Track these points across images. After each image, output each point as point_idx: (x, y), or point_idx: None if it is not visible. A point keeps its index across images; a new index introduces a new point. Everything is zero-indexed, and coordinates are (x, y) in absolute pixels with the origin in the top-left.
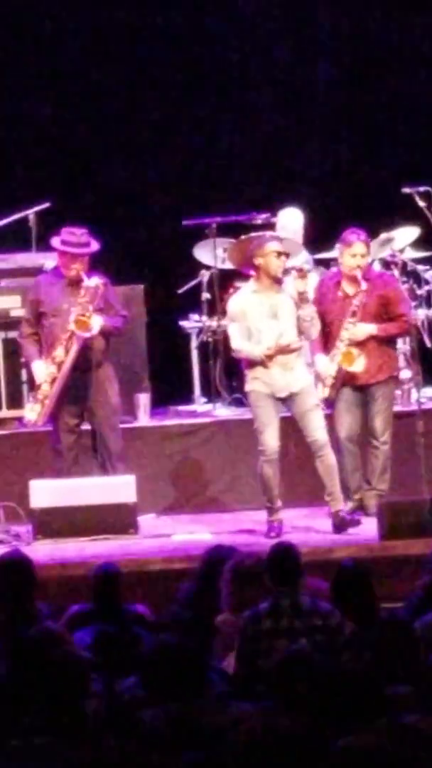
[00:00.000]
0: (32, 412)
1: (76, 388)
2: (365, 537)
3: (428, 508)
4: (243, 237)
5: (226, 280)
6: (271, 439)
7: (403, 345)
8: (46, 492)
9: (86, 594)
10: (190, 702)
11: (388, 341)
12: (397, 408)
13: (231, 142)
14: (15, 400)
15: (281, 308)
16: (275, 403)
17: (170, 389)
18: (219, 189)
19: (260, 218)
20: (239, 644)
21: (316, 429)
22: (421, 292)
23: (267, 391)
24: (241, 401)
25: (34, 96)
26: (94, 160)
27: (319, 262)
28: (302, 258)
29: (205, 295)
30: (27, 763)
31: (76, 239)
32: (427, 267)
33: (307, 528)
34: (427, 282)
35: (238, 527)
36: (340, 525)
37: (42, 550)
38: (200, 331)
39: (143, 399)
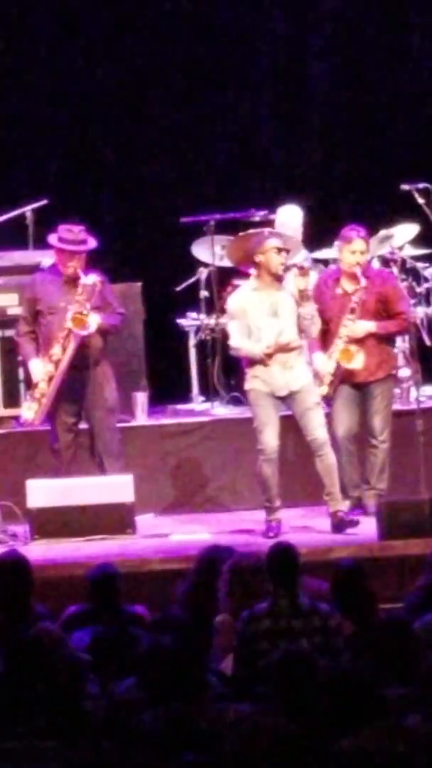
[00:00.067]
0: (29, 411)
1: (74, 387)
2: (364, 537)
3: (428, 507)
4: (241, 234)
5: (224, 278)
6: (270, 438)
7: (402, 343)
8: (44, 492)
9: (83, 595)
10: (188, 703)
11: (387, 339)
12: (396, 407)
13: (229, 139)
14: (12, 399)
15: (281, 306)
16: (275, 401)
17: (168, 388)
18: (217, 186)
19: (258, 215)
20: (237, 645)
21: (316, 428)
22: (420, 289)
23: (266, 390)
24: (239, 400)
25: (32, 93)
26: (91, 157)
27: (317, 261)
28: (301, 256)
29: (203, 293)
30: (25, 765)
31: (73, 236)
32: (427, 264)
33: (306, 528)
34: (426, 279)
35: (237, 527)
36: (339, 525)
37: (39, 550)
38: (198, 329)
39: (141, 397)
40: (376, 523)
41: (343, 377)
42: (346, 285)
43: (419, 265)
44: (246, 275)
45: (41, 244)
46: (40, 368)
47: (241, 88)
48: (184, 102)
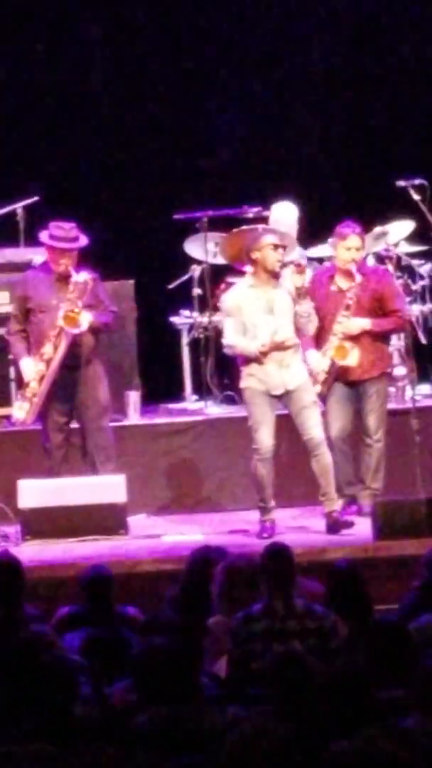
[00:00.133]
0: (21, 411)
1: (65, 386)
2: (359, 537)
3: (423, 507)
4: (235, 230)
5: (217, 275)
6: (265, 437)
7: (397, 341)
8: (35, 492)
9: (75, 596)
10: (182, 706)
11: (382, 337)
12: (391, 405)
13: (222, 136)
14: (3, 399)
15: (278, 303)
16: (271, 400)
17: (161, 387)
18: (210, 182)
19: (252, 212)
20: (232, 647)
21: (312, 427)
22: (416, 287)
23: (262, 389)
24: (232, 399)
25: (23, 89)
26: (82, 153)
27: (311, 259)
28: (296, 253)
29: (196, 291)
30: None
31: (65, 234)
32: (422, 261)
33: (301, 528)
34: (421, 277)
35: (230, 527)
36: (334, 526)
37: (30, 551)
38: (191, 327)
39: (133, 396)
40: (372, 523)
41: (338, 375)
42: (341, 282)
43: (415, 262)
44: (240, 272)
45: (33, 241)
46: (31, 367)
47: (234, 84)
48: (176, 98)
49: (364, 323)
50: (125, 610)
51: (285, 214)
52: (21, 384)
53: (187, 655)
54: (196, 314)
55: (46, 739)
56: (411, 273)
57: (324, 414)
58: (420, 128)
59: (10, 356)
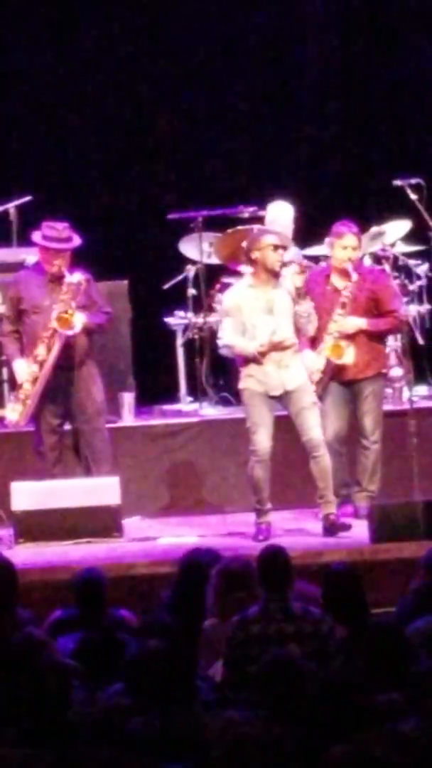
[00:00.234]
0: (14, 413)
1: (59, 388)
2: (356, 540)
3: (420, 510)
4: (229, 231)
5: (212, 276)
6: (263, 439)
7: (394, 342)
8: (28, 494)
9: (69, 599)
10: (176, 710)
11: (378, 337)
12: (388, 407)
13: (217, 135)
14: None
15: (277, 303)
16: (269, 402)
17: (155, 388)
18: (205, 182)
19: (247, 211)
20: (227, 650)
21: (312, 428)
22: (412, 287)
23: (261, 390)
24: (228, 400)
25: (16, 88)
26: (75, 152)
27: (308, 258)
28: (292, 253)
29: (191, 291)
30: None
31: (58, 234)
32: (419, 261)
33: (297, 531)
34: (418, 277)
35: (226, 530)
36: (331, 528)
37: (24, 554)
38: (186, 327)
39: (127, 398)
40: (368, 525)
41: (333, 374)
42: (337, 281)
43: (411, 262)
44: (235, 273)
45: (25, 241)
46: (24, 369)
47: (229, 82)
48: (171, 97)
49: (359, 322)
50: (119, 613)
51: (281, 214)
52: (14, 386)
53: (182, 659)
54: (190, 315)
55: (40, 743)
56: (408, 273)
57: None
58: (417, 127)
59: (3, 357)
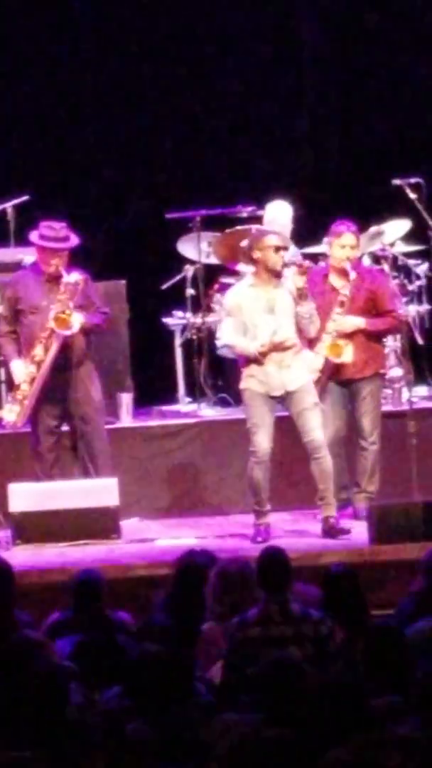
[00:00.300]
0: (11, 414)
1: (57, 388)
2: (355, 541)
3: (420, 511)
4: (228, 231)
5: (211, 276)
6: (263, 440)
7: (393, 342)
8: (26, 496)
9: (67, 601)
10: (175, 713)
11: (376, 337)
12: (388, 407)
13: (216, 134)
14: None
15: (279, 303)
16: (270, 403)
17: (154, 388)
18: (203, 181)
19: (246, 211)
20: (227, 652)
21: (314, 429)
22: (412, 287)
23: (262, 390)
24: (226, 401)
25: (12, 87)
26: (73, 152)
27: (306, 257)
28: (290, 252)
29: (190, 291)
30: None
31: (55, 233)
32: (419, 261)
33: (296, 532)
34: (418, 277)
35: (225, 531)
36: (330, 532)
37: (21, 556)
38: (184, 328)
39: (126, 399)
40: (368, 527)
41: (331, 373)
42: (335, 281)
43: (411, 262)
44: (234, 272)
45: (23, 241)
46: (21, 369)
47: (228, 81)
48: (168, 96)
49: (358, 321)
50: (117, 615)
51: (279, 214)
52: (11, 386)
53: (180, 661)
54: (189, 315)
55: (38, 745)
56: (407, 273)
57: None
58: (416, 127)
59: (0, 358)
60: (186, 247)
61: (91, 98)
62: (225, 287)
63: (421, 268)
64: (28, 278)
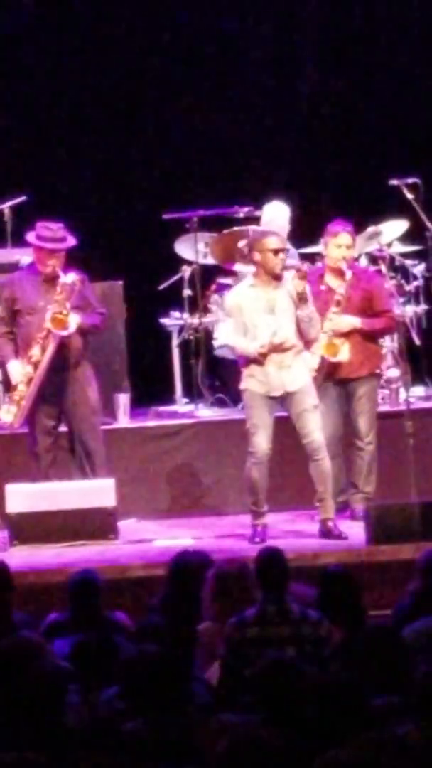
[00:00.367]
0: (8, 414)
1: (54, 389)
2: (352, 542)
3: (417, 511)
4: (225, 231)
5: (208, 276)
6: (262, 441)
7: (390, 343)
8: (23, 496)
9: (64, 602)
10: (172, 713)
11: (372, 337)
12: (385, 408)
13: (213, 135)
14: None
15: (279, 303)
16: (270, 403)
17: (151, 389)
18: (200, 182)
19: (243, 211)
20: (224, 653)
21: (313, 431)
22: (409, 287)
23: (262, 391)
24: (224, 401)
25: (9, 88)
26: (70, 152)
27: (304, 257)
28: (289, 255)
29: (187, 292)
30: None
31: (52, 234)
32: (416, 262)
33: (293, 533)
34: (415, 277)
35: (222, 531)
36: (327, 535)
37: (18, 557)
38: (182, 328)
39: (123, 399)
40: (365, 527)
41: (327, 373)
42: (331, 281)
43: (408, 262)
44: (231, 273)
45: (20, 242)
46: (18, 370)
47: (226, 83)
48: (166, 97)
49: (354, 321)
50: (114, 615)
51: (277, 214)
52: (8, 387)
53: (177, 662)
54: (186, 316)
55: (35, 746)
56: (404, 273)
57: None
58: (413, 126)
59: None
60: (183, 248)
61: (90, 98)
62: (222, 288)
63: (419, 269)
64: (25, 279)
